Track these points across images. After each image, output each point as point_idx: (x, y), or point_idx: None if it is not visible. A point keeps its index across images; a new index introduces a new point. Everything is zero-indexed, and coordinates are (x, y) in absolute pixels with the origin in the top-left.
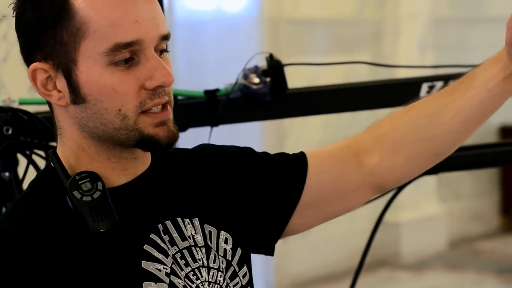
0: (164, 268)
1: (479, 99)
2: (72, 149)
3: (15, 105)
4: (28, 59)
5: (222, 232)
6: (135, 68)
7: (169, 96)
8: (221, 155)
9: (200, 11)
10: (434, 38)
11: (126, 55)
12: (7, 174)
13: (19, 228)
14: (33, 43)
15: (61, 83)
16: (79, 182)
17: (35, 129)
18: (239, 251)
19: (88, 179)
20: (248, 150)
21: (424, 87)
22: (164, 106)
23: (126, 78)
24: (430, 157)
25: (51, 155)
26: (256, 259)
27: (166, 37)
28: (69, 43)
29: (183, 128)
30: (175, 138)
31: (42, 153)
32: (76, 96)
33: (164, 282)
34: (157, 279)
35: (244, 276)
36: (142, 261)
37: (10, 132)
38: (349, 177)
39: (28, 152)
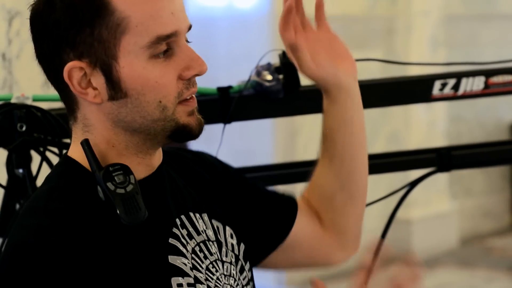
0: (188, 262)
1: (348, 133)
2: (99, 145)
3: (29, 102)
4: (55, 59)
5: (227, 228)
6: (171, 60)
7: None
8: (221, 163)
9: (211, 8)
10: (446, 35)
11: (165, 46)
12: (20, 170)
13: (58, 224)
14: (66, 42)
15: (98, 80)
16: (113, 174)
17: (49, 126)
18: (242, 246)
19: (121, 172)
20: (236, 171)
21: (437, 84)
22: (191, 96)
23: (166, 70)
24: (353, 203)
25: (84, 145)
26: None
27: (190, 28)
28: (109, 39)
29: None
30: (202, 127)
31: (55, 149)
32: (116, 92)
33: (190, 277)
34: (184, 274)
35: (249, 270)
36: (169, 256)
37: (24, 128)
38: (315, 230)
39: (41, 149)
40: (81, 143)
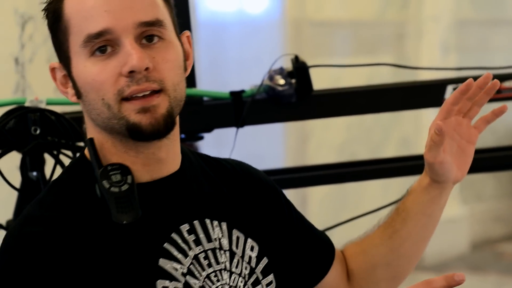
0: (181, 267)
1: (422, 224)
2: (96, 142)
3: (43, 106)
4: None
5: (249, 240)
6: (114, 57)
7: (161, 83)
8: (270, 181)
9: (222, 13)
10: (457, 40)
11: (101, 44)
12: (34, 173)
13: (46, 216)
14: (53, 46)
15: (70, 80)
16: (110, 173)
17: (63, 129)
18: (264, 260)
19: (119, 171)
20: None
21: (449, 89)
22: (154, 93)
23: (105, 67)
24: (390, 282)
25: (88, 143)
26: None
27: (149, 24)
28: (63, 42)
29: (208, 129)
30: (159, 127)
31: (69, 153)
32: (77, 91)
33: (179, 282)
34: (172, 278)
35: (268, 284)
36: (160, 259)
37: (38, 132)
38: (342, 283)
39: (55, 152)
40: (85, 141)
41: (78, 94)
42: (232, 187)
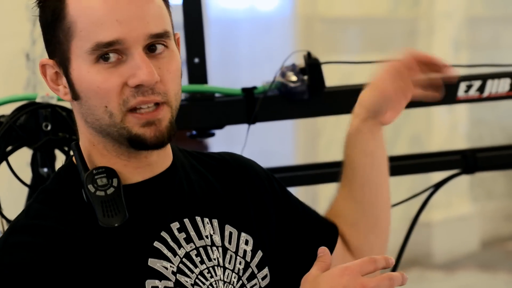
0: (171, 266)
1: (369, 165)
2: (86, 143)
3: (54, 101)
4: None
5: (243, 234)
6: (121, 67)
7: (165, 95)
8: (266, 173)
9: (233, 10)
10: (469, 37)
11: (110, 53)
12: (45, 170)
13: (33, 224)
14: (45, 42)
15: (64, 79)
16: (95, 177)
17: (74, 126)
18: (259, 254)
19: (105, 175)
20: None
21: (462, 86)
22: (158, 106)
23: (110, 76)
24: (373, 229)
25: (73, 148)
26: None
27: (159, 35)
28: (63, 42)
29: (220, 125)
30: (165, 139)
31: None
32: (74, 92)
33: (170, 280)
34: (162, 277)
35: (264, 278)
36: (149, 259)
37: (49, 128)
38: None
39: (66, 148)
40: (71, 146)
41: (75, 96)
42: (223, 181)
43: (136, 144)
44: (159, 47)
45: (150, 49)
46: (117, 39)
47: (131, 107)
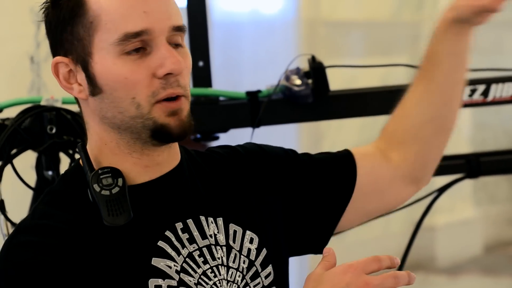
0: (174, 265)
1: (452, 65)
2: (96, 142)
3: (58, 104)
4: (54, 57)
5: (248, 232)
6: (147, 58)
7: (184, 89)
8: (262, 154)
9: (237, 13)
10: (472, 42)
11: (137, 44)
12: (50, 173)
13: (39, 224)
14: (56, 41)
15: (81, 76)
16: (101, 176)
17: (79, 128)
18: (264, 252)
19: (110, 175)
20: (292, 153)
21: (466, 90)
22: (177, 98)
23: (138, 67)
24: (439, 135)
25: (79, 149)
26: (291, 260)
27: (179, 29)
28: (84, 37)
29: (224, 129)
30: (187, 129)
31: None
32: (94, 87)
33: (173, 279)
34: (166, 276)
35: (267, 276)
36: (153, 258)
37: (53, 131)
38: (381, 171)
39: (71, 151)
40: (77, 146)
41: (95, 91)
42: (228, 177)
43: (160, 135)
44: (178, 41)
45: (173, 43)
46: (145, 29)
47: (160, 99)
